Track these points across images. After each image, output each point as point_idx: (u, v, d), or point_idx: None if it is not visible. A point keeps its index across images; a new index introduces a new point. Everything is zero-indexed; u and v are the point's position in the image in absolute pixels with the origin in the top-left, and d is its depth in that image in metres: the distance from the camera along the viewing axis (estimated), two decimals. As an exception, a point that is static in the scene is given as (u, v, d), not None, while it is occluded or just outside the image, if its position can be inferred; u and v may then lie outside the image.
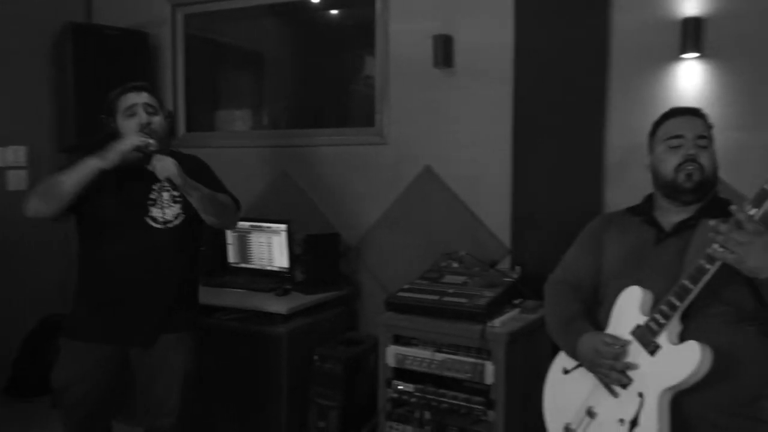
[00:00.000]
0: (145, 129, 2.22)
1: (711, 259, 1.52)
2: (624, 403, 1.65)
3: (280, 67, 4.38)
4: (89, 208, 2.26)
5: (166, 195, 2.32)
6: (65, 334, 2.36)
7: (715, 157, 1.81)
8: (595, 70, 2.98)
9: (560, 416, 1.85)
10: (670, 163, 1.76)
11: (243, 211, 3.75)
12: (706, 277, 1.53)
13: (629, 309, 1.70)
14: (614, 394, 1.69)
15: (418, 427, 2.63)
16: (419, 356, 2.65)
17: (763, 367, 1.63)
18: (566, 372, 1.88)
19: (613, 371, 1.67)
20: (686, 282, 1.56)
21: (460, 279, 2.89)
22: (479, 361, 2.50)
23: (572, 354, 1.81)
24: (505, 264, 3.14)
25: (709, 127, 1.84)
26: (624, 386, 1.67)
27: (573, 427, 1.79)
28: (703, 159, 1.75)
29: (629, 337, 1.67)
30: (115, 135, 2.26)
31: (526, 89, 3.13)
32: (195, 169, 2.35)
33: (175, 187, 2.22)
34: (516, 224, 3.19)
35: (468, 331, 2.55)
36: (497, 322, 2.57)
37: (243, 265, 3.66)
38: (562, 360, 1.91)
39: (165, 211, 2.30)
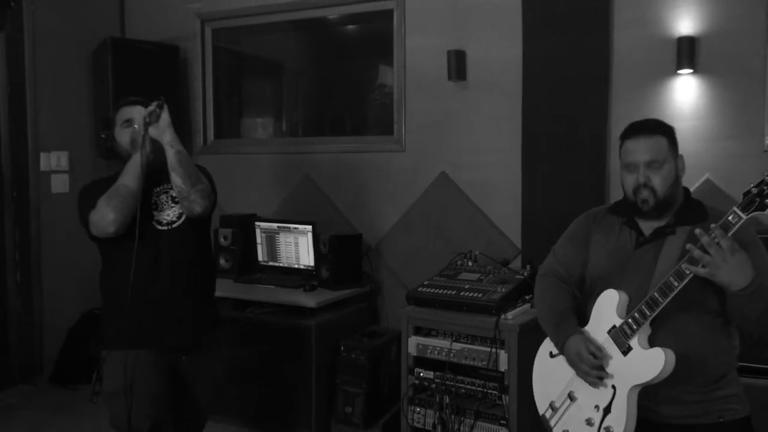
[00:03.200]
0: (147, 118, 2.24)
1: (681, 276, 1.69)
2: (600, 393, 1.87)
3: (300, 78, 4.65)
4: None
5: (164, 197, 2.33)
6: (106, 346, 2.30)
7: (675, 171, 1.87)
8: (598, 84, 3.23)
9: (546, 394, 2.07)
10: (628, 186, 1.89)
11: (270, 212, 4.11)
12: (675, 292, 1.71)
13: (607, 309, 1.88)
14: (593, 386, 1.93)
15: (438, 410, 2.90)
16: (438, 346, 2.92)
17: (726, 353, 1.87)
18: (552, 356, 2.07)
19: (588, 376, 1.88)
20: (656, 295, 1.74)
21: (475, 276, 3.14)
22: (493, 350, 2.76)
23: (559, 349, 2.00)
24: (516, 263, 3.39)
25: (669, 139, 1.88)
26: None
27: (557, 405, 2.01)
28: (656, 182, 1.83)
29: (606, 336, 1.87)
30: (114, 149, 2.35)
31: (534, 101, 3.37)
32: None
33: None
34: (526, 226, 3.44)
35: (483, 322, 2.81)
36: (510, 315, 2.82)
37: (272, 263, 3.93)
38: (549, 344, 2.08)
39: (167, 213, 2.31)
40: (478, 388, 2.83)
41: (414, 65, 3.73)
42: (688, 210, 1.90)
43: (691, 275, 1.69)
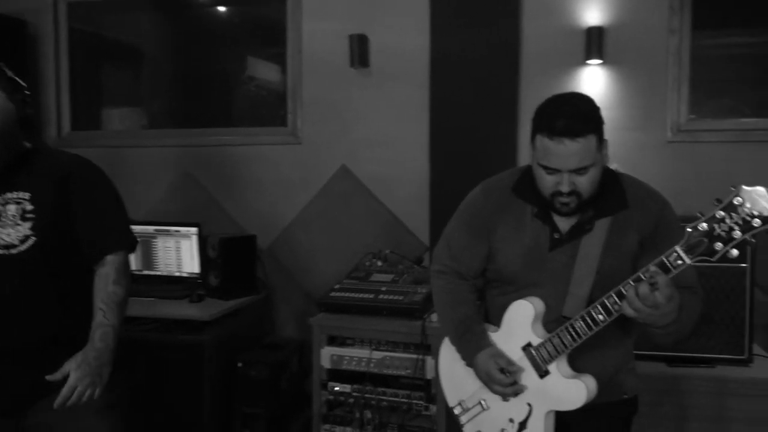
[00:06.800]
0: None
1: (608, 312, 1.48)
2: (514, 407, 1.68)
3: (169, 65, 4.15)
4: None
5: (12, 208, 1.71)
6: None
7: (601, 167, 1.57)
8: (508, 74, 3.13)
9: (455, 391, 1.82)
10: (546, 187, 1.57)
11: (142, 214, 3.60)
12: (600, 327, 1.51)
13: (521, 322, 1.64)
14: (505, 398, 1.69)
15: (358, 428, 2.63)
16: (356, 356, 2.65)
17: (624, 350, 1.73)
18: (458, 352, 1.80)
19: (504, 394, 1.66)
20: (581, 326, 1.53)
21: (389, 277, 2.91)
22: (420, 356, 2.54)
23: (467, 364, 1.74)
24: (426, 261, 3.21)
25: (598, 134, 1.53)
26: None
27: (467, 405, 1.78)
28: (581, 186, 1.53)
29: (520, 353, 1.64)
30: None
31: (442, 91, 3.22)
32: (85, 187, 1.80)
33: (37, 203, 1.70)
34: (434, 223, 3.26)
35: (406, 327, 2.59)
36: (435, 317, 2.62)
37: (147, 272, 3.43)
38: None
39: (8, 231, 1.69)
40: (403, 399, 2.61)
41: (311, 50, 3.43)
42: (608, 197, 1.61)
43: (619, 313, 1.47)
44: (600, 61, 3.01)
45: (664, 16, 2.98)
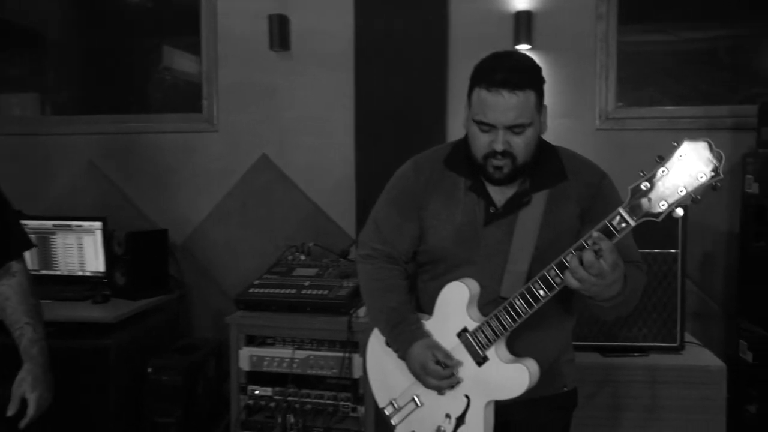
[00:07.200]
0: None
1: (549, 287, 1.37)
2: (450, 401, 1.54)
3: (78, 51, 3.83)
4: None
5: None
6: None
7: (538, 130, 1.49)
8: (436, 58, 3.02)
9: (386, 389, 1.67)
10: (479, 147, 1.47)
11: (41, 209, 3.28)
12: (542, 303, 1.40)
13: (455, 306, 1.52)
14: (440, 391, 1.55)
15: (281, 432, 2.44)
16: (278, 356, 2.48)
17: (565, 332, 1.63)
18: (389, 345, 1.65)
19: (440, 388, 1.53)
20: (520, 304, 1.41)
21: (313, 271, 2.75)
22: (346, 354, 2.38)
23: (400, 357, 1.59)
24: (353, 254, 3.05)
25: (538, 93, 1.45)
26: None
27: (399, 404, 1.63)
28: (517, 149, 1.44)
29: (456, 341, 1.51)
30: None
31: (368, 76, 3.08)
32: None
33: None
34: (361, 213, 3.12)
35: (332, 323, 2.43)
36: (361, 312, 2.47)
37: (45, 272, 3.11)
38: None
39: None
40: (328, 401, 2.45)
41: (227, 31, 3.23)
42: (544, 169, 1.53)
43: (561, 286, 1.36)
44: (529, 47, 2.94)
45: (591, 1, 2.94)
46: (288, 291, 2.56)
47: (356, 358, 2.39)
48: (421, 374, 1.52)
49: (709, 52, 3.16)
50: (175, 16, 3.47)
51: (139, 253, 2.96)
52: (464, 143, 1.55)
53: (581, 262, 1.29)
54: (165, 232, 3.14)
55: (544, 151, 1.55)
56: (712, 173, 1.21)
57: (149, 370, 2.74)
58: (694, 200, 1.23)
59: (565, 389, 1.62)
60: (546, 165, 1.54)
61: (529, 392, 1.48)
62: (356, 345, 2.39)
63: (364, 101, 3.09)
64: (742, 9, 3.07)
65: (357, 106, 3.10)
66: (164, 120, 3.37)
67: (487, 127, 1.43)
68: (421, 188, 1.60)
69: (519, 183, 1.52)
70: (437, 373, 1.49)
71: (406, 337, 1.56)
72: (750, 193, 2.72)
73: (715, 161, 1.21)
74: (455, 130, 3.03)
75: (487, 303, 1.50)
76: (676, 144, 1.23)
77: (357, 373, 2.39)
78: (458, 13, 3.02)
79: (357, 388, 2.41)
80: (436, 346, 1.52)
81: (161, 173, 3.33)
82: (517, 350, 1.49)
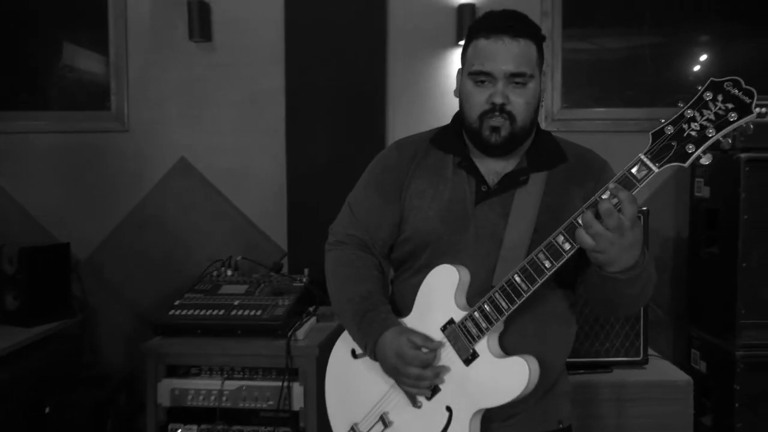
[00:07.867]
0: None
1: (556, 254, 1.19)
2: (428, 417, 1.32)
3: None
4: None
5: None
6: None
7: (538, 93, 1.36)
8: (374, 54, 2.83)
9: (346, 413, 1.46)
10: (475, 106, 1.33)
11: None
12: (547, 276, 1.20)
13: (441, 295, 1.32)
14: (416, 404, 1.36)
15: (209, 477, 2.13)
16: (204, 388, 2.18)
17: (566, 343, 1.44)
18: (356, 356, 1.46)
19: (420, 381, 1.30)
20: (518, 279, 1.22)
21: (242, 288, 2.47)
22: (284, 383, 2.10)
23: (370, 352, 1.38)
24: (285, 269, 2.78)
25: (539, 47, 1.35)
26: (429, 397, 1.34)
27: (362, 428, 1.42)
28: (516, 106, 1.31)
29: (440, 335, 1.31)
30: None
31: (300, 70, 2.85)
32: None
33: None
34: (293, 224, 2.89)
35: (268, 348, 2.17)
36: (300, 334, 2.20)
37: None
38: (349, 340, 1.47)
39: None
40: (265, 438, 2.14)
41: (139, 18, 2.92)
42: (541, 149, 1.40)
43: (573, 252, 1.17)
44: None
45: (536, -2, 2.82)
46: (215, 312, 2.26)
47: (296, 387, 2.11)
48: (399, 366, 1.30)
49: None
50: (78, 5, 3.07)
51: (34, 272, 2.63)
52: (452, 123, 1.46)
53: (597, 215, 1.12)
54: (66, 246, 2.78)
55: (539, 132, 1.43)
56: (744, 113, 1.09)
57: (47, 409, 2.38)
58: (722, 146, 1.14)
59: (561, 426, 1.40)
60: (543, 145, 1.42)
61: (520, 428, 1.29)
62: (296, 372, 2.12)
63: (295, 97, 2.85)
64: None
65: (288, 103, 2.86)
66: (65, 118, 3.01)
67: (486, 77, 1.31)
68: (404, 166, 1.46)
69: (515, 162, 1.39)
70: (417, 359, 1.27)
71: (376, 327, 1.35)
72: (700, 197, 2.66)
73: (747, 98, 1.10)
74: (396, 129, 2.84)
75: (475, 294, 1.29)
76: (700, 87, 1.13)
77: (297, 405, 2.12)
78: (398, 3, 2.84)
79: (297, 422, 2.13)
80: (410, 331, 1.33)
81: (63, 178, 2.98)
82: (510, 352, 1.27)
